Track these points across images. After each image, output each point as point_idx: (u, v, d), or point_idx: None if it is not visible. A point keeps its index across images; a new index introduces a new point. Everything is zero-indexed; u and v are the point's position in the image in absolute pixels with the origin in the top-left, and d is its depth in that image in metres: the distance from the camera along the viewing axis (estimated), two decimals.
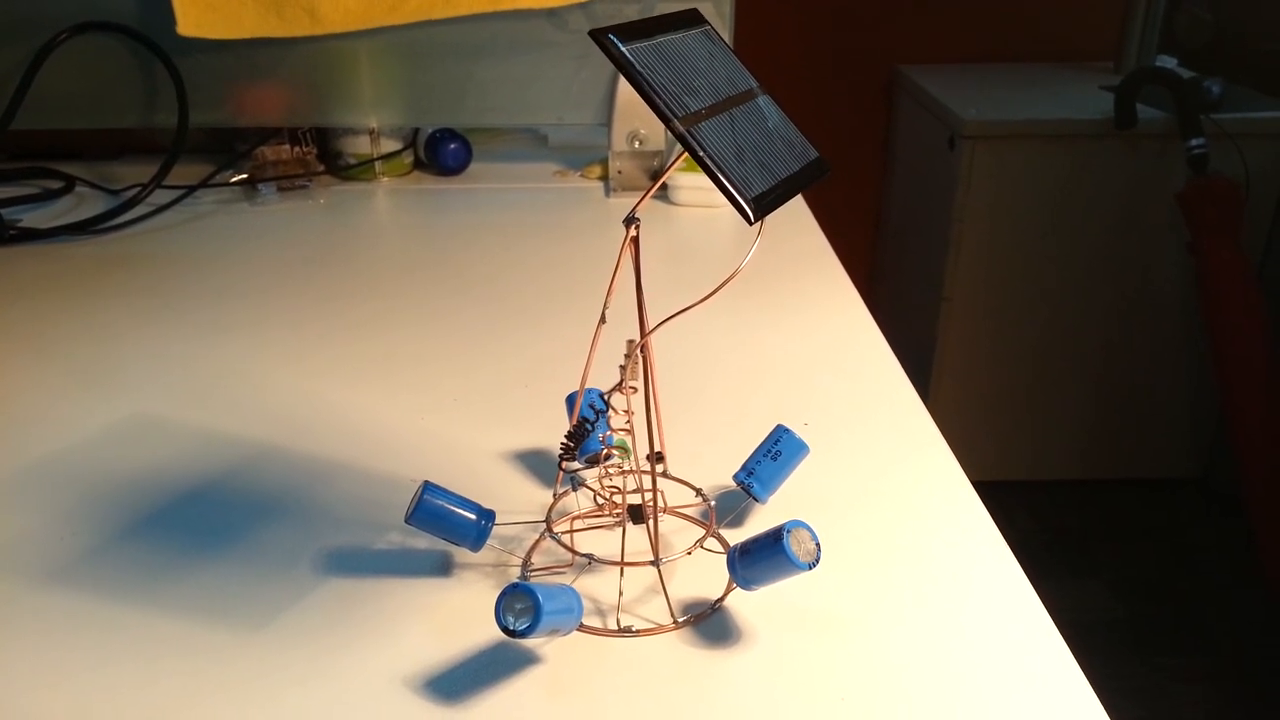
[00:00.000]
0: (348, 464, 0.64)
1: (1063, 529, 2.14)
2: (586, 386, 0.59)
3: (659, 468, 0.53)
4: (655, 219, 1.07)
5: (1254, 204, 2.01)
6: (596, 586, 0.53)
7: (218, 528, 0.59)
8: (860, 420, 0.69)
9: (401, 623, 0.51)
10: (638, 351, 0.49)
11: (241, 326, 0.84)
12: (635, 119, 1.10)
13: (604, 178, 1.18)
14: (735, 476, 0.56)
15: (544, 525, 0.57)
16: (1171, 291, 2.08)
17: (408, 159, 1.21)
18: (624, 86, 1.09)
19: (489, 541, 0.53)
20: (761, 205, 0.40)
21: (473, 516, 0.53)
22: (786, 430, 0.57)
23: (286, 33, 1.06)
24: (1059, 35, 2.37)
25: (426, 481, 0.52)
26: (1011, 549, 0.56)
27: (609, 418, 0.51)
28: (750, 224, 0.40)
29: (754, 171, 0.41)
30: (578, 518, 0.55)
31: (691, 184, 1.07)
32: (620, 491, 0.53)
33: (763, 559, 0.47)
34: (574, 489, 0.54)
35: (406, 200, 1.15)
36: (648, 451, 0.52)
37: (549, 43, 1.10)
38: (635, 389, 0.50)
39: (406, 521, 0.52)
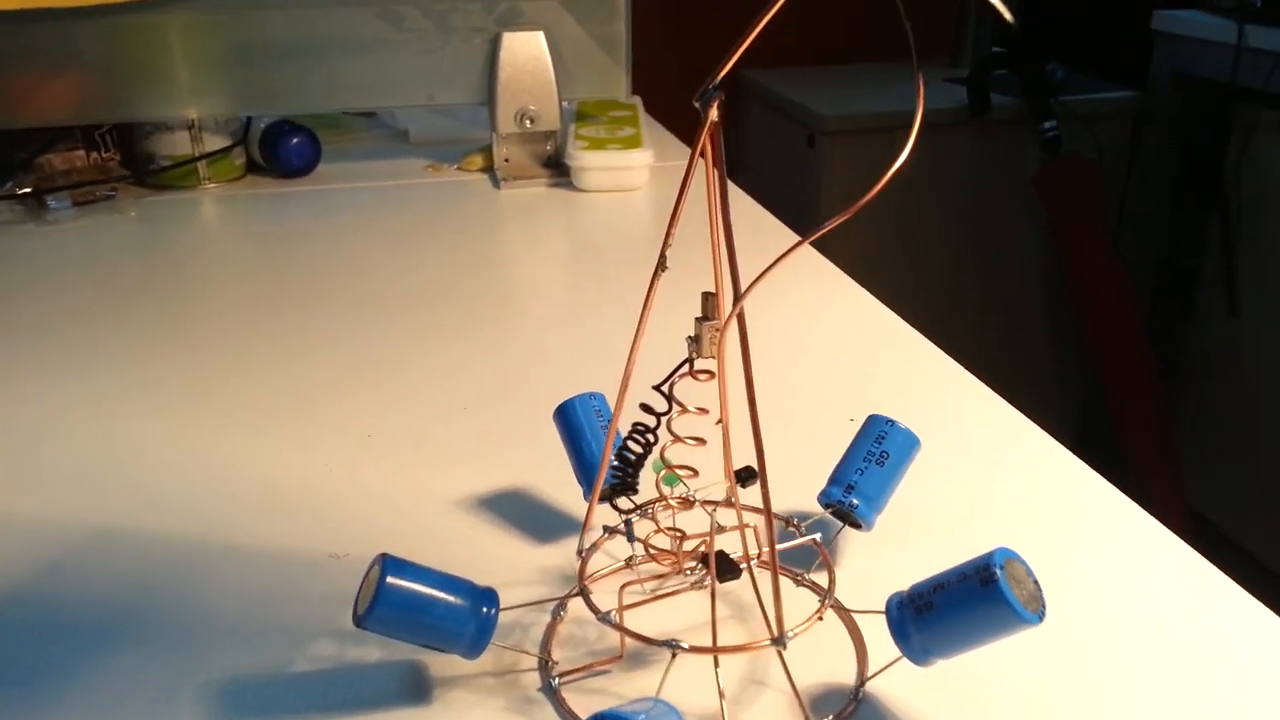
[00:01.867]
0: (232, 547, 0.43)
1: None
2: (579, 396, 0.41)
3: (742, 492, 0.35)
4: (556, 209, 0.89)
5: (1104, 183, 2.02)
6: (666, 686, 0.34)
7: (38, 667, 0.36)
8: (919, 409, 0.53)
9: None
10: (721, 312, 0.32)
11: (47, 376, 0.60)
12: (524, 94, 0.92)
13: (488, 168, 0.99)
14: (825, 496, 0.39)
15: (558, 603, 0.38)
16: (1034, 273, 2.07)
17: (239, 160, 0.98)
18: (506, 58, 0.91)
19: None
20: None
21: (465, 602, 0.33)
22: (889, 422, 0.40)
23: (72, 1, 0.82)
24: (891, 34, 2.36)
25: (384, 556, 0.33)
26: None
27: (671, 420, 0.33)
28: (1010, 26, 0.23)
29: None
30: (631, 584, 0.36)
31: (599, 164, 0.90)
32: (685, 539, 0.35)
33: (959, 614, 0.30)
34: (629, 538, 0.35)
35: (242, 208, 0.92)
36: (740, 467, 0.33)
37: (410, 6, 0.91)
38: (710, 375, 0.32)
39: (358, 624, 0.32)
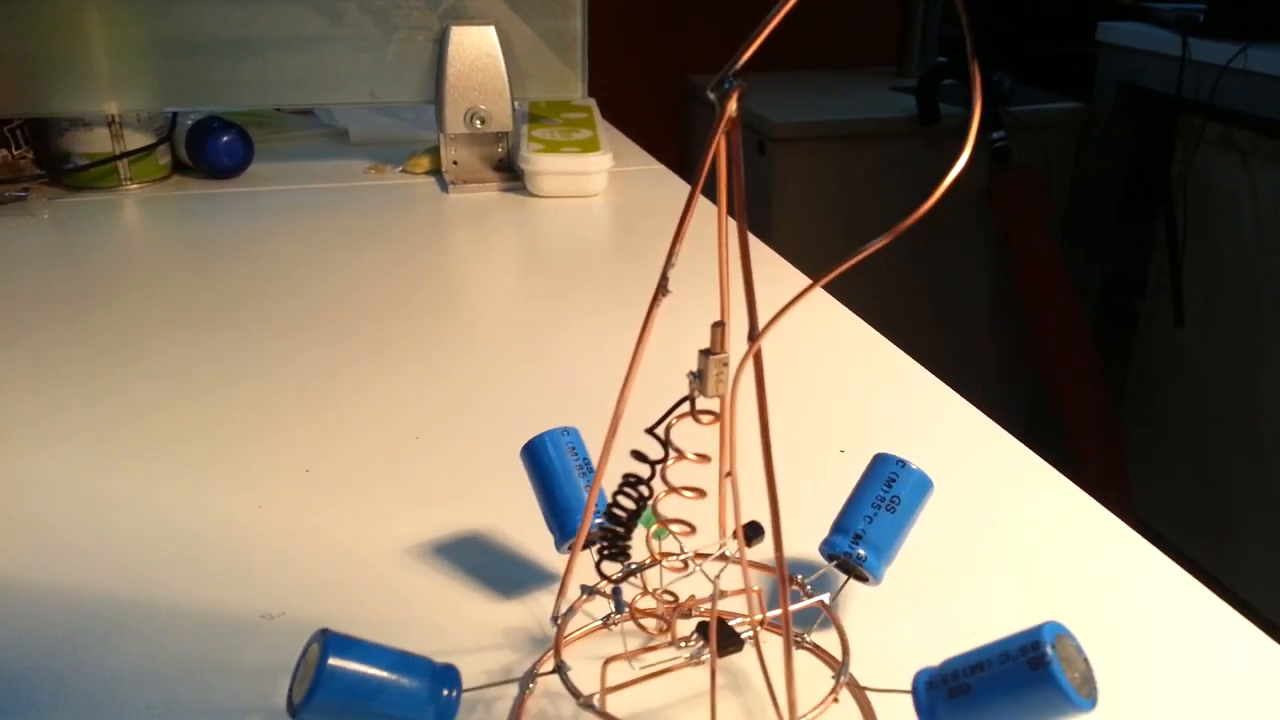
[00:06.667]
0: (149, 604, 0.38)
1: None
2: (549, 432, 0.36)
3: (747, 550, 0.30)
4: (509, 216, 0.84)
5: (1052, 194, 2.03)
6: None
7: None
8: (915, 438, 0.49)
9: None
10: (724, 344, 0.27)
11: None
12: (473, 93, 0.86)
13: (435, 170, 0.93)
14: (830, 547, 0.35)
15: (524, 678, 0.33)
16: (981, 283, 2.06)
17: (164, 159, 0.91)
18: (454, 53, 0.86)
19: None
20: None
21: (420, 684, 0.28)
22: (899, 461, 0.36)
23: None
24: (842, 43, 2.35)
25: (325, 633, 0.27)
26: None
27: (666, 468, 0.28)
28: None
29: None
30: (616, 659, 0.31)
31: (555, 169, 0.85)
32: (678, 606, 0.30)
33: (1003, 699, 0.26)
34: (617, 609, 0.30)
35: (168, 211, 0.86)
36: (745, 522, 0.29)
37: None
38: (714, 416, 0.28)
39: (293, 714, 0.27)
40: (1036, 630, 0.26)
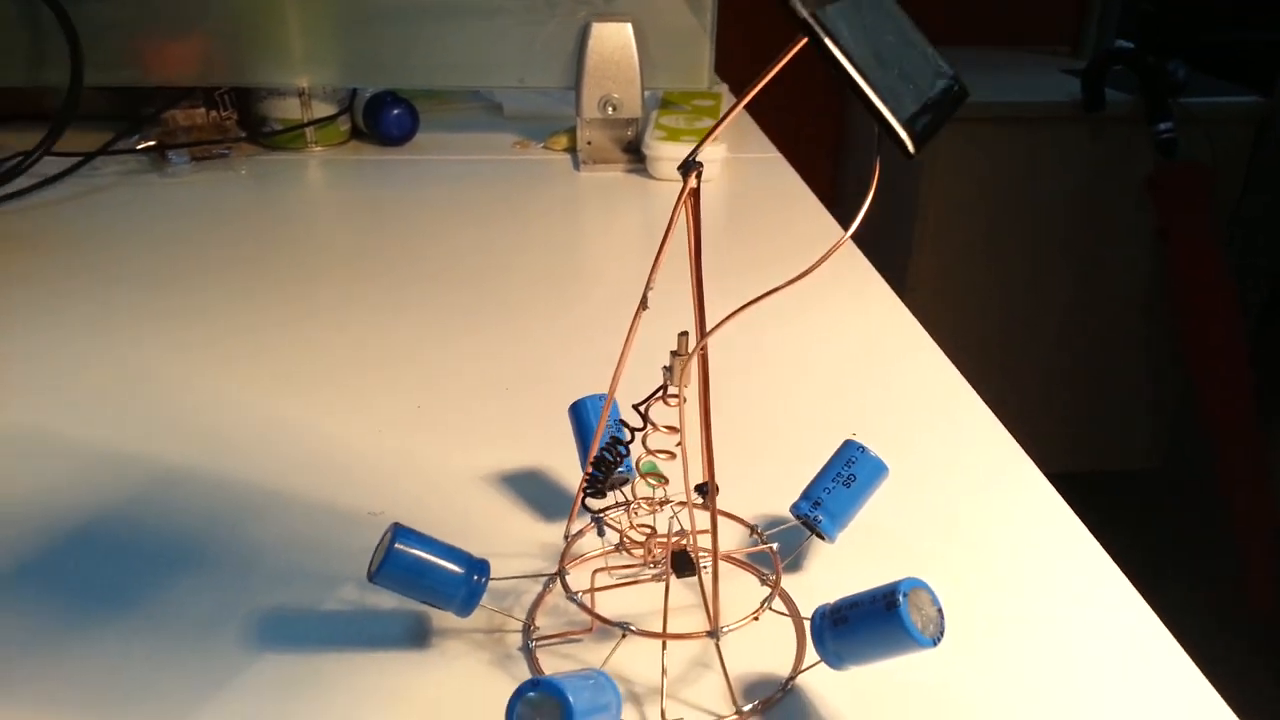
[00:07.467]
0: (287, 495, 0.50)
1: None
2: (590, 396, 0.46)
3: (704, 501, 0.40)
4: (630, 195, 0.94)
5: (1218, 190, 1.97)
6: (623, 660, 0.40)
7: (113, 582, 0.44)
8: (919, 430, 0.57)
9: (364, 715, 0.38)
10: (690, 349, 0.37)
11: (148, 321, 0.69)
12: (608, 82, 0.97)
13: (571, 149, 1.05)
14: (795, 508, 0.44)
15: (548, 578, 0.44)
16: (1133, 277, 2.02)
17: (344, 126, 1.06)
18: (594, 46, 0.96)
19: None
20: (919, 134, 0.28)
21: (460, 570, 0.39)
22: (860, 447, 0.44)
23: None
24: (1014, 19, 2.31)
25: (396, 525, 0.39)
26: None
27: (645, 436, 0.38)
28: (909, 158, 0.28)
29: (899, 84, 0.28)
30: (602, 570, 0.41)
31: (672, 155, 0.94)
32: (653, 535, 0.40)
33: (866, 630, 0.35)
34: (599, 533, 0.41)
35: (343, 173, 1.00)
36: (699, 481, 0.39)
37: None
38: (683, 399, 0.37)
39: (370, 579, 0.38)
40: (898, 581, 0.35)
